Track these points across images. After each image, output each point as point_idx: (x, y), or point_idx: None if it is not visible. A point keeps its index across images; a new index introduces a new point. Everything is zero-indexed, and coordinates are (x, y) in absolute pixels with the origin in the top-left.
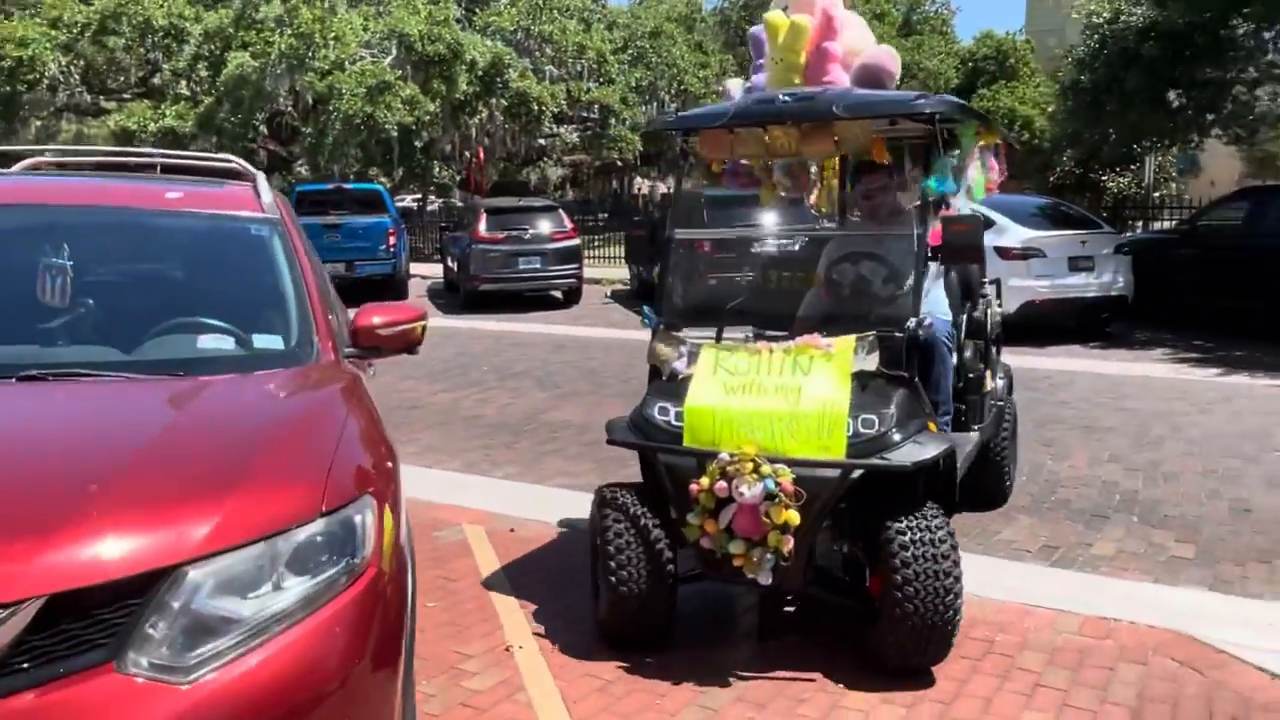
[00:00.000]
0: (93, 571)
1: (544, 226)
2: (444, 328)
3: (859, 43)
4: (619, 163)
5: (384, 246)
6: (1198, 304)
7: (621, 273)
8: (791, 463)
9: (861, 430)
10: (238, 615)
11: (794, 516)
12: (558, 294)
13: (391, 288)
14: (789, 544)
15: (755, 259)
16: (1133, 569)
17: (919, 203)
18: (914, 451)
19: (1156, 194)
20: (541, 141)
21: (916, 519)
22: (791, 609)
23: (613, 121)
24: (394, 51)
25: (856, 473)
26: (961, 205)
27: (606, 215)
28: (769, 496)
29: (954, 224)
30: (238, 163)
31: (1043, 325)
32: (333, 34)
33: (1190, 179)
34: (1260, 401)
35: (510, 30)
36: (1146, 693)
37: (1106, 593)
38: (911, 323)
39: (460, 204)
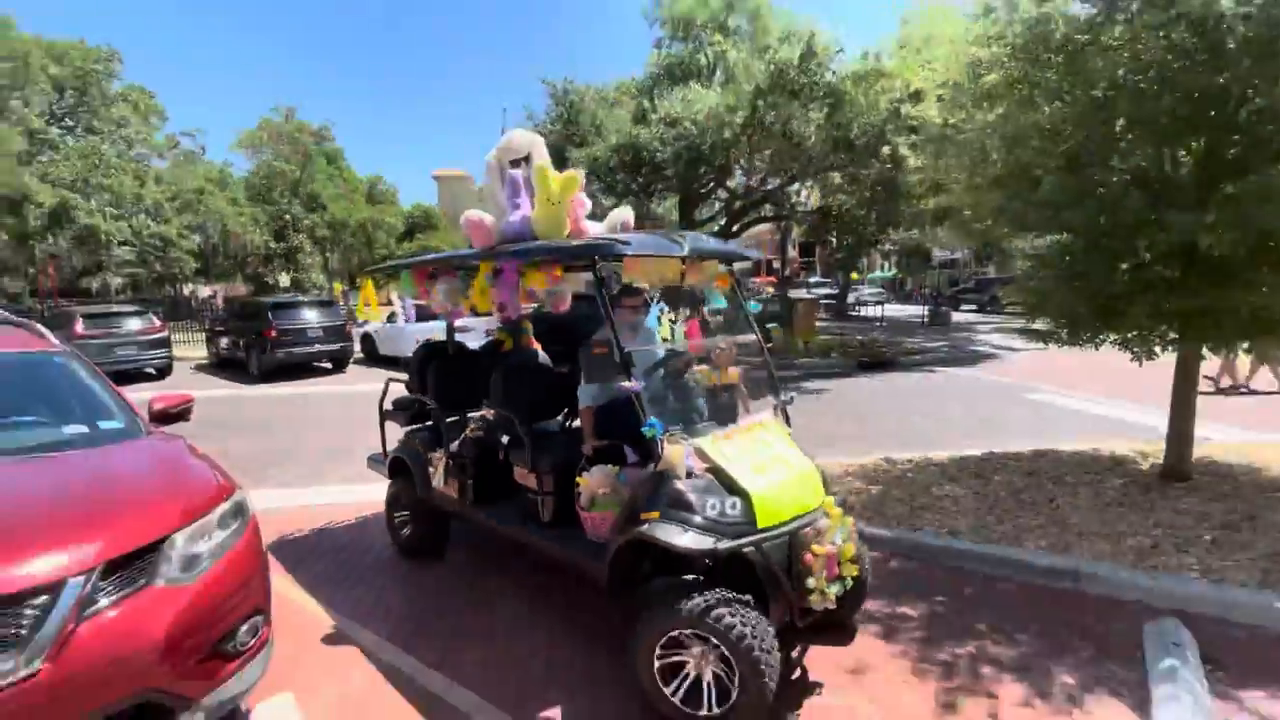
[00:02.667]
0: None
1: (134, 324)
2: None
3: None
4: (180, 274)
5: None
6: None
7: (198, 352)
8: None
9: None
10: (199, 552)
11: (852, 548)
12: (152, 370)
13: None
14: (854, 569)
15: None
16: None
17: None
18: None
19: None
20: (102, 258)
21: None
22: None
23: (172, 250)
24: None
25: None
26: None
27: (161, 313)
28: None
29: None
30: (8, 315)
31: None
32: None
33: None
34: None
35: (70, 180)
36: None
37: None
38: (785, 395)
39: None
